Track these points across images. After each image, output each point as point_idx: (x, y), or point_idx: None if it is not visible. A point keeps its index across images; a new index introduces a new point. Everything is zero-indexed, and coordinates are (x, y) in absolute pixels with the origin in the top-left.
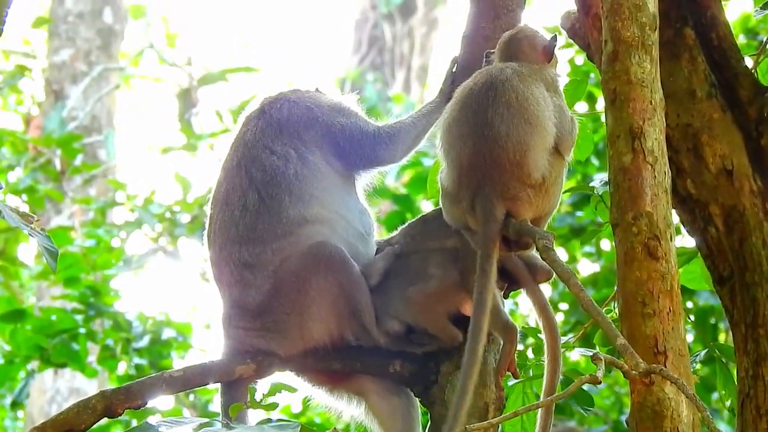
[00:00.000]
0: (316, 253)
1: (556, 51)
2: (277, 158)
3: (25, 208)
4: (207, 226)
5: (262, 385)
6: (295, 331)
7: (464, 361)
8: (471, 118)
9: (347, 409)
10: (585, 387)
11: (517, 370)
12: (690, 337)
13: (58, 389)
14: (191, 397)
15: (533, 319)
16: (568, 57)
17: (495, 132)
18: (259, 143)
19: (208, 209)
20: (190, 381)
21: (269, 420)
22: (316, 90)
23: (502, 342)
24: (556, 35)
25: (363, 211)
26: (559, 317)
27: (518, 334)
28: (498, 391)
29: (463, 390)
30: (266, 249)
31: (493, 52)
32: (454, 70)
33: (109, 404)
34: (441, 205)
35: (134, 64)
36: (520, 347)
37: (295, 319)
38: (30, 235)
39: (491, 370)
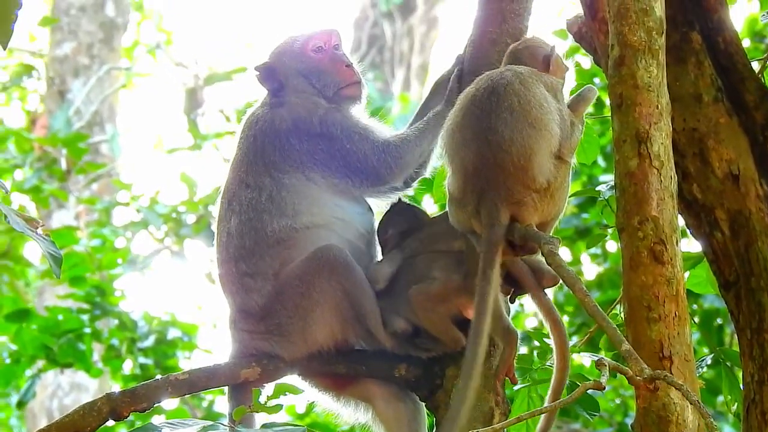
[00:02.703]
0: (320, 256)
1: (565, 61)
2: (251, 191)
3: (30, 207)
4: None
5: (270, 388)
6: (299, 334)
7: (463, 366)
8: (474, 123)
9: (354, 415)
10: (589, 391)
11: (516, 375)
12: (695, 337)
13: (59, 384)
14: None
15: (539, 319)
16: (573, 61)
17: (499, 137)
18: (236, 178)
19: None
20: (195, 384)
21: (274, 423)
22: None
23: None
24: (554, 46)
25: (361, 212)
26: (564, 319)
27: (518, 339)
28: (496, 397)
29: (462, 394)
30: (263, 257)
31: None
32: (459, 74)
33: (114, 407)
34: (447, 209)
35: (131, 60)
36: (525, 351)
37: (299, 323)
38: (35, 240)
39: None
